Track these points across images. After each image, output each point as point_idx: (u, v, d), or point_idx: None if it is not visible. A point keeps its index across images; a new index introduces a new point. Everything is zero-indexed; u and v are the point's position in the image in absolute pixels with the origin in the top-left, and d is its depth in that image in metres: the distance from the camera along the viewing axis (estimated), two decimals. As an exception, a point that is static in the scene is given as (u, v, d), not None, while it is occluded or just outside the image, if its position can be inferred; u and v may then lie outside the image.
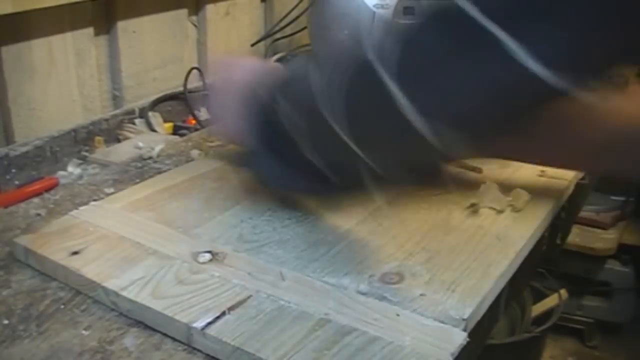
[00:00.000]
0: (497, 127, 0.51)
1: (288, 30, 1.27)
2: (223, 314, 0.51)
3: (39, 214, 0.71)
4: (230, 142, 0.77)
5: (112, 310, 0.55)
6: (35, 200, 0.74)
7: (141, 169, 0.82)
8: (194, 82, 1.07)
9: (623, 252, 1.95)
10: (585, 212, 1.86)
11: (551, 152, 0.69)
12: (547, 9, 0.42)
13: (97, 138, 0.91)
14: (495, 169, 0.78)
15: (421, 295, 0.55)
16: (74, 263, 0.58)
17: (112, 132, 0.94)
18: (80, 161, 0.86)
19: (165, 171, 0.80)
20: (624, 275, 1.97)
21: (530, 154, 0.71)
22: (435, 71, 0.47)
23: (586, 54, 0.43)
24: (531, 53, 0.42)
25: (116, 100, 1.01)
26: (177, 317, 0.51)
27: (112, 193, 0.75)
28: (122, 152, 0.88)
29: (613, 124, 0.64)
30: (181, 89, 1.06)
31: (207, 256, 0.59)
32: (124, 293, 0.54)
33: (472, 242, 0.63)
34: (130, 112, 0.98)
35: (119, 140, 0.93)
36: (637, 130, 0.63)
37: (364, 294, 0.55)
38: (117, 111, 0.97)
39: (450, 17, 0.47)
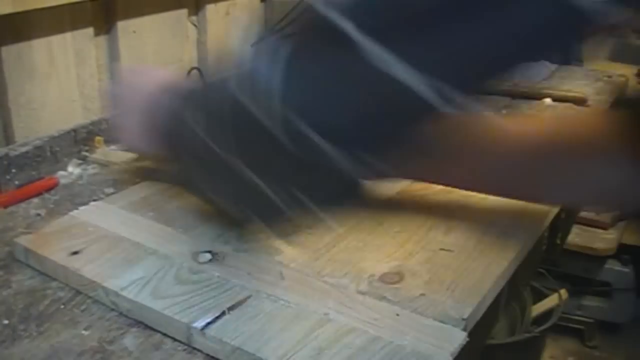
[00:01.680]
0: (380, 142, 0.51)
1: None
2: (223, 314, 0.51)
3: (39, 214, 0.71)
4: (134, 151, 0.76)
5: (112, 310, 0.55)
6: (35, 200, 0.74)
7: (141, 169, 0.82)
8: (194, 82, 1.07)
9: (623, 252, 1.94)
10: (586, 212, 1.85)
11: (456, 173, 0.67)
12: (422, 27, 0.44)
13: (97, 138, 0.90)
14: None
15: (421, 295, 0.55)
16: (74, 263, 0.58)
17: (112, 132, 0.93)
18: (80, 161, 0.86)
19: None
20: (624, 275, 1.96)
21: (432, 175, 0.69)
22: (315, 84, 0.48)
23: (462, 70, 0.45)
24: (407, 67, 0.43)
25: (116, 100, 1.01)
26: (177, 317, 0.51)
27: (112, 193, 0.75)
28: (122, 152, 0.87)
29: (519, 143, 0.63)
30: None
31: (207, 256, 0.59)
32: (124, 293, 0.54)
33: (471, 242, 0.63)
34: (131, 112, 0.98)
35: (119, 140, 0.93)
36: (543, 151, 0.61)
37: (363, 293, 0.55)
38: (117, 111, 0.97)
39: (325, 30, 0.47)
